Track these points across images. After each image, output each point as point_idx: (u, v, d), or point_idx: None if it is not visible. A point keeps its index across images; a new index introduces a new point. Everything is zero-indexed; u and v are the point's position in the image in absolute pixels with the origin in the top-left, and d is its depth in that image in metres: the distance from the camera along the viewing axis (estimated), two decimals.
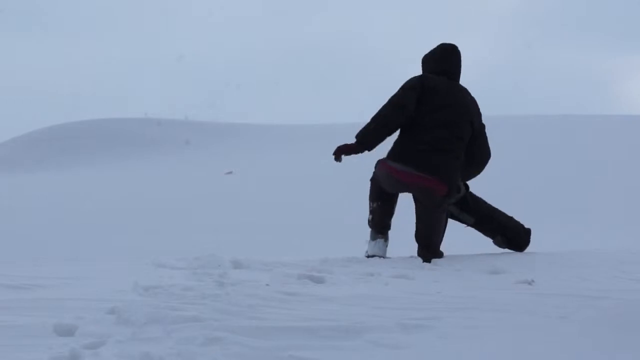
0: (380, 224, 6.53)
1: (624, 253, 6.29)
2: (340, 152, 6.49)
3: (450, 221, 6.75)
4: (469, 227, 6.75)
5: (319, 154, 20.02)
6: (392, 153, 6.45)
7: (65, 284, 4.56)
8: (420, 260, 6.06)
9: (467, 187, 6.71)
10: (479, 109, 6.52)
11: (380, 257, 6.25)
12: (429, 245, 6.43)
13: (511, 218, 6.64)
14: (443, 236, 6.60)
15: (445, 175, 6.34)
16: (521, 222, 6.67)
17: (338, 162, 6.57)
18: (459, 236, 7.18)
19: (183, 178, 19.57)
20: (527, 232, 6.62)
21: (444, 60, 6.44)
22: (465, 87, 6.55)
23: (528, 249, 6.60)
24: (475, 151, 6.48)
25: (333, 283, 4.79)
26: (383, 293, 4.38)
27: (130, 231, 11.38)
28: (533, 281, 4.67)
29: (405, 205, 6.79)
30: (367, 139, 6.42)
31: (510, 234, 6.59)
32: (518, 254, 6.27)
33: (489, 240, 6.78)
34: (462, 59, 6.52)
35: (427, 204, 6.44)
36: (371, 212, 6.57)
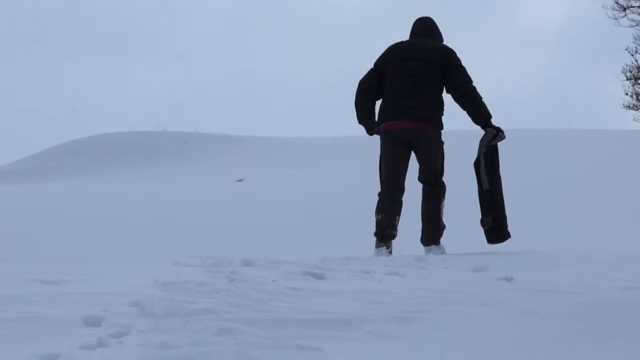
0: (382, 233, 6.67)
1: (601, 253, 6.30)
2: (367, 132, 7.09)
3: (450, 217, 6.80)
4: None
5: (321, 166, 20.05)
6: (378, 118, 6.95)
7: (92, 280, 4.61)
8: (410, 258, 6.04)
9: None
10: (444, 50, 6.89)
11: None
12: (433, 179, 6.64)
13: (505, 216, 6.77)
14: (443, 170, 6.82)
15: (420, 114, 6.74)
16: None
17: (374, 134, 7.03)
18: (456, 237, 7.18)
19: (198, 186, 19.57)
20: (508, 235, 6.74)
21: (413, 28, 7.14)
22: (440, 42, 7.03)
23: (510, 249, 6.64)
24: (455, 78, 6.79)
25: (333, 279, 4.84)
26: (378, 288, 4.42)
27: (151, 234, 11.40)
28: (512, 278, 4.71)
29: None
30: (358, 120, 7.00)
31: (500, 223, 6.70)
32: (500, 254, 6.30)
33: (474, 241, 6.81)
34: (432, 22, 7.14)
35: (420, 142, 6.75)
36: (375, 223, 6.71)
